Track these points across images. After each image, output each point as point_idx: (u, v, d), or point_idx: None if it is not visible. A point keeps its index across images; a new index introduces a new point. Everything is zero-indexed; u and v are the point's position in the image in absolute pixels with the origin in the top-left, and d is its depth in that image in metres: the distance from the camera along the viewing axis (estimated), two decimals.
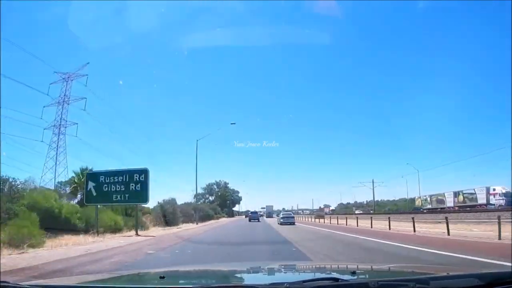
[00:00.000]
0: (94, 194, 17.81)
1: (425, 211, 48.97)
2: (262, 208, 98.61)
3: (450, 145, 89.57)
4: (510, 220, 13.20)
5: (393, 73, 78.98)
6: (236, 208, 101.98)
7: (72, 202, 21.80)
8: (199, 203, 47.76)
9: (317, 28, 52.16)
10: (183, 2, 44.02)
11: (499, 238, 11.80)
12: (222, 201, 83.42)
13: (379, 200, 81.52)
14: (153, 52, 67.15)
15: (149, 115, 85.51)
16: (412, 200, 64.12)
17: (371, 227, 21.87)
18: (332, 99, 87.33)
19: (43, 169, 34.63)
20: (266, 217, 62.34)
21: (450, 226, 15.07)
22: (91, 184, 17.97)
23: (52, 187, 28.56)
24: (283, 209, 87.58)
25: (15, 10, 45.38)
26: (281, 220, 32.55)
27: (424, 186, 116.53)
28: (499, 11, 54.32)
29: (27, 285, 1.82)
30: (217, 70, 79.27)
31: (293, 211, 79.34)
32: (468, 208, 37.19)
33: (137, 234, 17.90)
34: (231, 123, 41.08)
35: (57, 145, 35.52)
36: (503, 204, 34.92)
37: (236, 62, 80.00)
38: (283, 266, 3.68)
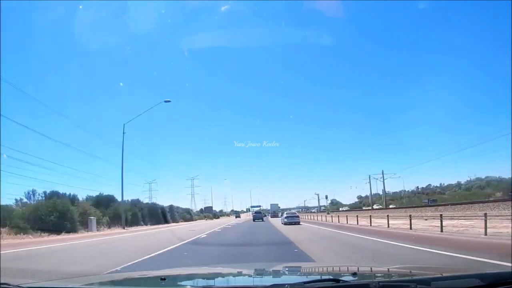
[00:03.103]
0: None
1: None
2: (252, 207, 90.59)
3: (449, 138, 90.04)
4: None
5: (393, 71, 78.39)
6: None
7: None
8: None
9: (317, 28, 51.44)
10: (183, 2, 43.56)
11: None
12: None
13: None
14: (153, 53, 66.64)
15: (149, 116, 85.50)
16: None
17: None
18: (332, 98, 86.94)
19: None
20: (271, 217, 61.15)
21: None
22: None
23: None
24: (280, 207, 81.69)
25: (14, 11, 45.49)
26: (285, 220, 31.34)
27: (422, 179, 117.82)
28: (497, 7, 53.63)
29: (28, 286, 1.84)
30: (217, 71, 79.15)
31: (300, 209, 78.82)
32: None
33: None
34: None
35: None
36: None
37: (236, 63, 79.78)
38: (286, 268, 3.68)
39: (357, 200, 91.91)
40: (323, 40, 44.52)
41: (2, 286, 1.77)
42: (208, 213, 79.72)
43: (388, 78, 77.60)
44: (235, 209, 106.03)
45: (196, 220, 62.56)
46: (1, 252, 10.51)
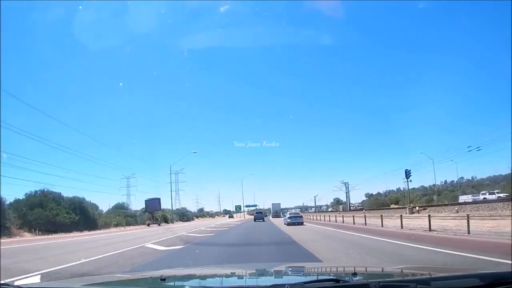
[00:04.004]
0: None
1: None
2: (247, 206, 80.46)
3: (449, 138, 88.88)
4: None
5: (392, 71, 78.79)
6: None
7: None
8: None
9: (317, 28, 51.16)
10: (183, 2, 43.67)
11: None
12: None
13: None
14: (153, 54, 66.67)
15: (149, 116, 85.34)
16: None
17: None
18: (332, 98, 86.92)
19: None
20: (273, 217, 59.99)
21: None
22: None
23: None
24: (279, 207, 73.08)
25: (14, 11, 45.60)
26: (288, 220, 31.01)
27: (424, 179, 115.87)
28: (497, 7, 53.40)
29: (28, 286, 1.85)
30: (217, 71, 79.38)
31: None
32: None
33: None
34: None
35: None
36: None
37: (236, 63, 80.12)
38: (288, 268, 3.67)
39: (365, 198, 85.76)
40: (323, 40, 44.85)
41: (2, 286, 1.78)
42: (153, 210, 45.43)
43: (388, 78, 78.04)
44: (227, 209, 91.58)
45: (107, 228, 34.19)
46: None
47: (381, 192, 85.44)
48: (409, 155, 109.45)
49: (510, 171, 43.92)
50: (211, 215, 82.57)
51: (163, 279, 2.47)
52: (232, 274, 3.21)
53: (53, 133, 68.68)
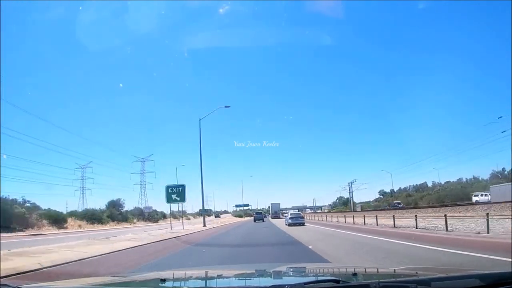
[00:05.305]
0: None
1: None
2: (237, 206, 79.59)
3: (449, 138, 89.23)
4: None
5: (392, 71, 79.69)
6: None
7: None
8: None
9: (317, 29, 51.44)
10: (183, 2, 43.99)
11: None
12: None
13: None
14: (153, 54, 67.30)
15: (149, 116, 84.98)
16: None
17: None
18: (331, 98, 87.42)
19: None
20: (272, 218, 59.80)
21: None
22: None
23: None
24: (278, 207, 68.65)
25: (14, 11, 45.67)
26: (289, 221, 31.28)
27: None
28: (497, 7, 53.42)
29: (28, 286, 1.85)
30: (217, 71, 79.90)
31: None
32: None
33: None
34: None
35: None
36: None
37: (236, 63, 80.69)
38: (290, 268, 3.66)
39: (380, 196, 79.63)
40: (323, 40, 45.47)
41: (2, 286, 1.79)
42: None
43: (388, 78, 78.56)
44: (221, 209, 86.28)
45: None
46: None
47: (405, 188, 77.43)
48: (409, 154, 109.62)
49: None
50: (159, 217, 52.68)
51: (162, 280, 2.47)
52: (232, 275, 3.21)
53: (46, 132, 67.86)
